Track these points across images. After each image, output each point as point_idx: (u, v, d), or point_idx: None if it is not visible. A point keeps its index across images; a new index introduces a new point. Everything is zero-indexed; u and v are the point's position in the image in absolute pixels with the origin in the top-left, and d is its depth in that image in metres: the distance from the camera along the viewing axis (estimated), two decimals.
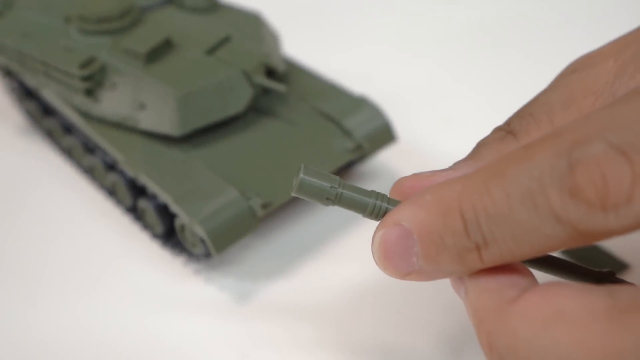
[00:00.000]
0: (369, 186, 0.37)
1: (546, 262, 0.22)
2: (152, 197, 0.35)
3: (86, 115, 0.37)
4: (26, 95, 0.43)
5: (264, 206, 0.32)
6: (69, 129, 0.40)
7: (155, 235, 0.36)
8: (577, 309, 0.17)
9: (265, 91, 0.36)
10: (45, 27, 0.38)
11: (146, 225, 0.37)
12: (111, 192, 0.39)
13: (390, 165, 0.40)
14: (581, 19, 0.53)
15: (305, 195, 0.21)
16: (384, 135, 0.37)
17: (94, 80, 0.36)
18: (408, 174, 0.23)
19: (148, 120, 0.35)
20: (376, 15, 0.55)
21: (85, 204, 0.39)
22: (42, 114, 0.42)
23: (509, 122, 0.23)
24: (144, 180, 0.34)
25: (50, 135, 0.43)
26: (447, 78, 0.48)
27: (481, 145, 0.23)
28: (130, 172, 0.34)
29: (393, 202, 0.22)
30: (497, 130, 0.23)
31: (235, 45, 0.37)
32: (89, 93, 0.36)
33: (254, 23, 0.39)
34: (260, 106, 0.37)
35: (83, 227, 0.38)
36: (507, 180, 0.18)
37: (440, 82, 0.48)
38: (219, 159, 0.35)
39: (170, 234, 0.36)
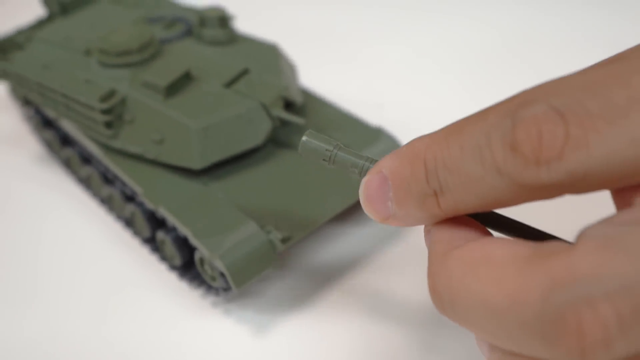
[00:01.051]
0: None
1: (498, 221, 0.23)
2: (171, 229, 0.35)
3: (105, 147, 0.37)
4: (44, 124, 0.44)
5: (284, 240, 0.32)
6: (87, 159, 0.41)
7: (173, 267, 0.37)
8: (503, 254, 0.19)
9: (284, 123, 0.37)
10: (66, 59, 0.39)
11: (164, 257, 0.37)
12: (129, 222, 0.39)
13: None
14: (598, 38, 0.53)
15: (307, 155, 0.25)
16: None
17: (114, 113, 0.36)
18: None
19: (168, 154, 0.35)
20: (385, 41, 0.56)
21: (103, 233, 0.40)
22: (60, 144, 0.43)
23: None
24: (163, 213, 0.34)
25: (68, 165, 0.43)
26: (460, 103, 0.48)
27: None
28: (150, 205, 0.35)
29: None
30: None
31: (254, 77, 0.37)
32: (109, 126, 0.36)
33: (271, 54, 0.40)
34: (278, 138, 0.37)
35: (100, 257, 0.38)
36: (463, 136, 0.20)
37: (453, 107, 0.48)
38: (238, 191, 0.35)
39: (188, 266, 0.36)
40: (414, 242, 0.37)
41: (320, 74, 0.47)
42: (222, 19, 0.39)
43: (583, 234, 0.18)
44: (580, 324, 0.17)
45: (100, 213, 0.41)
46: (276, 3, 0.61)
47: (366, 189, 0.23)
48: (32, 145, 0.46)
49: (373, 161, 0.24)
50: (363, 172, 0.24)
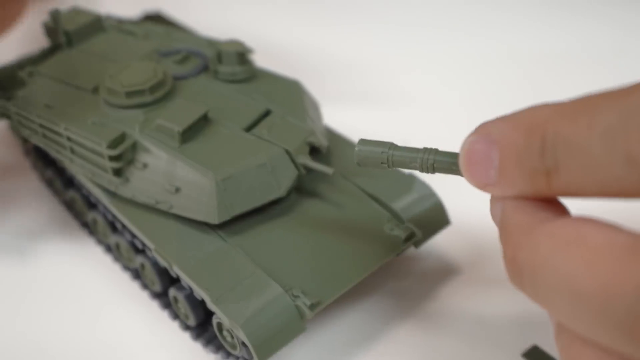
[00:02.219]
0: (417, 268, 0.34)
1: None
2: (184, 287, 0.32)
3: (114, 196, 0.34)
4: (45, 162, 0.41)
5: (313, 306, 0.29)
6: (93, 203, 0.38)
7: (187, 327, 0.33)
8: (600, 238, 0.18)
9: (308, 170, 0.33)
10: (71, 98, 0.36)
11: (177, 315, 0.34)
12: (138, 274, 0.36)
13: (440, 247, 0.37)
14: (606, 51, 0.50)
15: (364, 163, 0.26)
16: (437, 218, 0.34)
17: (124, 160, 0.33)
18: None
19: (183, 206, 0.32)
20: (407, 70, 0.52)
21: (109, 283, 0.37)
22: (62, 185, 0.40)
23: None
24: (177, 272, 0.31)
25: (71, 207, 0.40)
26: None
27: None
28: (163, 262, 0.31)
29: (441, 154, 0.24)
30: None
31: (276, 119, 0.34)
32: (118, 173, 0.33)
33: (294, 92, 0.36)
34: (303, 186, 0.34)
35: (105, 310, 0.35)
36: (595, 113, 0.18)
37: None
38: (259, 247, 0.32)
39: (204, 325, 0.33)
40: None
41: (338, 109, 0.43)
42: (241, 55, 0.36)
43: None
44: None
45: (106, 261, 0.38)
46: (283, 31, 0.58)
47: (468, 152, 0.21)
48: (32, 180, 0.43)
49: (432, 152, 0.24)
50: (424, 166, 0.24)
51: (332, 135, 0.38)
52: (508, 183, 0.20)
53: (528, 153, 0.19)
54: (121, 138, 0.33)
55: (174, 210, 0.32)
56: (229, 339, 0.31)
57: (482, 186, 0.21)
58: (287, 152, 0.32)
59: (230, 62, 0.36)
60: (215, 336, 0.32)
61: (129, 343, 0.34)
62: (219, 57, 0.36)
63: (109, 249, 0.38)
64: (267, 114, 0.34)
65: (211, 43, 0.40)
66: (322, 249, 0.32)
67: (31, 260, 0.38)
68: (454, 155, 0.24)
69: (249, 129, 0.33)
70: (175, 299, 0.33)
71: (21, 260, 0.38)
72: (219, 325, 0.31)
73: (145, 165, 0.33)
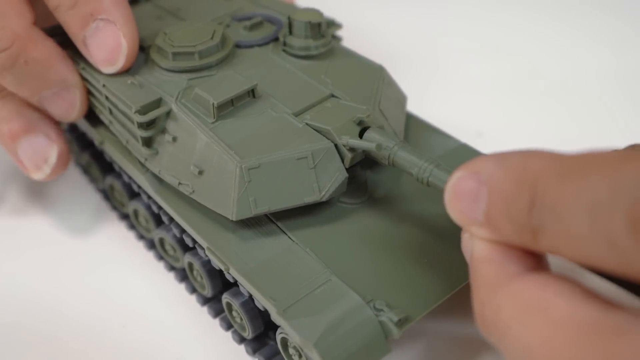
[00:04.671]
0: None
1: None
2: (242, 293, 0.27)
3: (161, 182, 0.29)
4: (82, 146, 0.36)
5: (401, 323, 0.24)
6: (135, 193, 0.33)
7: (242, 340, 0.29)
8: (563, 312, 0.17)
9: (353, 152, 0.27)
10: None
11: (231, 324, 0.29)
12: (185, 276, 0.31)
13: None
14: None
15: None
16: None
17: (155, 129, 0.28)
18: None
19: (203, 192, 0.27)
20: (486, 59, 0.47)
21: (156, 286, 0.32)
22: (100, 171, 0.35)
23: None
24: (235, 276, 0.26)
25: (108, 197, 0.36)
26: (572, 138, 0.39)
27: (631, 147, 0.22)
28: (219, 264, 0.26)
29: (441, 170, 0.24)
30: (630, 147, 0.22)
31: (330, 104, 0.28)
32: (147, 143, 0.29)
33: (372, 78, 0.31)
34: (382, 182, 0.29)
35: (150, 315, 0.31)
36: (584, 182, 0.17)
37: (563, 140, 0.39)
38: (333, 252, 0.26)
39: (263, 337, 0.28)
40: None
41: (416, 95, 0.37)
42: (314, 26, 0.31)
43: None
44: None
45: (149, 258, 0.33)
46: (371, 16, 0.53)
47: (455, 187, 0.20)
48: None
49: (433, 163, 0.24)
50: (420, 176, 0.24)
51: (422, 128, 0.33)
52: (494, 229, 0.20)
53: (517, 207, 0.18)
54: (155, 104, 0.28)
55: (194, 196, 0.27)
56: (296, 358, 0.26)
57: (465, 224, 0.21)
58: (336, 146, 0.27)
59: (302, 33, 0.31)
60: (278, 352, 0.27)
61: (178, 354, 0.29)
62: (290, 27, 0.31)
63: (152, 245, 0.34)
64: (328, 99, 0.29)
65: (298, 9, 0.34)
66: (405, 254, 0.26)
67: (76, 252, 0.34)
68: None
69: (299, 113, 0.28)
70: (230, 307, 0.28)
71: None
72: (284, 340, 0.26)
73: (174, 139, 0.28)
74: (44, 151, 0.31)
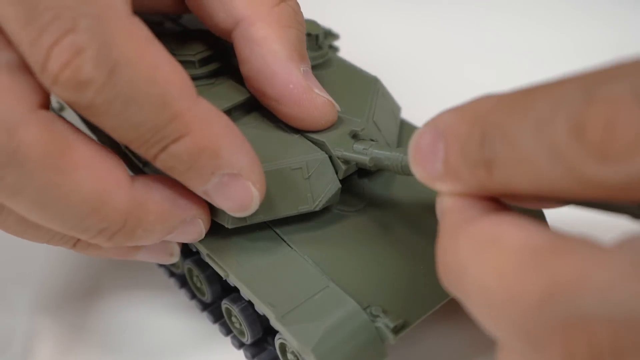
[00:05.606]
0: None
1: None
2: (241, 298, 0.27)
3: None
4: None
5: (396, 329, 0.24)
6: None
7: (242, 345, 0.29)
8: (514, 239, 0.17)
9: (346, 162, 0.28)
10: None
11: (230, 330, 0.29)
12: (185, 282, 0.32)
13: None
14: None
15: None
16: None
17: None
18: None
19: None
20: (480, 64, 0.48)
21: (150, 291, 0.32)
22: None
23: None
24: (235, 282, 0.26)
25: None
26: None
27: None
28: (219, 271, 0.27)
29: None
30: None
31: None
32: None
33: (367, 89, 0.31)
34: (375, 191, 0.29)
35: (153, 321, 0.31)
36: (530, 103, 0.17)
37: None
38: (329, 259, 0.27)
39: (261, 343, 0.29)
40: None
41: (411, 103, 0.38)
42: (312, 38, 0.31)
43: (625, 242, 0.15)
44: (569, 345, 0.15)
45: (148, 264, 0.34)
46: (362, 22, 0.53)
47: (416, 145, 0.21)
48: None
49: (404, 151, 0.24)
50: (397, 166, 0.25)
51: (405, 124, 0.33)
52: (453, 176, 0.20)
53: (470, 142, 0.19)
54: None
55: None
56: None
57: (429, 180, 0.21)
58: (330, 158, 0.27)
59: None
60: (276, 357, 0.28)
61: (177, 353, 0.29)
62: None
63: None
64: None
65: None
66: (403, 262, 0.27)
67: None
68: None
69: None
70: (229, 312, 0.29)
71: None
72: (283, 346, 0.26)
73: None
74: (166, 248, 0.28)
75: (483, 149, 0.18)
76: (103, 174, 0.23)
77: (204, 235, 0.26)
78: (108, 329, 0.31)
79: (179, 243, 0.28)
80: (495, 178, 0.18)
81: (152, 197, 0.24)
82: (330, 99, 0.28)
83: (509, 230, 0.18)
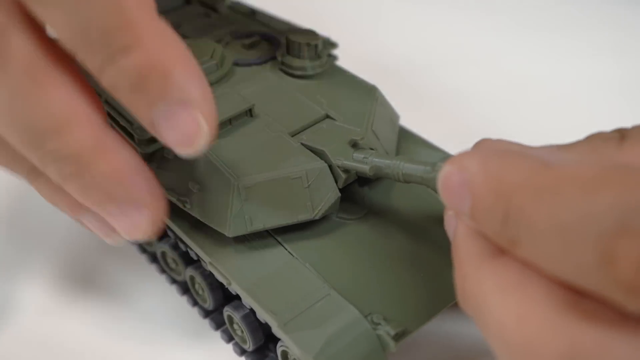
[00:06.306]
0: None
1: None
2: (242, 306, 0.28)
3: None
4: None
5: (397, 336, 0.24)
6: None
7: (243, 352, 0.29)
8: (539, 289, 0.18)
9: (347, 171, 0.28)
10: None
11: (232, 337, 0.30)
12: (187, 288, 0.32)
13: None
14: None
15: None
16: None
17: (155, 145, 0.29)
18: None
19: (200, 208, 0.28)
20: (481, 72, 0.48)
21: (155, 298, 0.33)
22: None
23: (632, 127, 0.21)
24: (237, 290, 0.27)
25: None
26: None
27: (589, 138, 0.22)
28: (220, 278, 0.27)
29: (411, 164, 0.25)
30: (615, 130, 0.21)
31: (326, 125, 0.29)
32: (148, 158, 0.30)
33: (366, 99, 0.31)
34: (375, 199, 0.30)
35: (155, 328, 0.31)
36: (558, 202, 0.17)
37: None
38: (330, 267, 0.27)
39: (263, 349, 0.29)
40: None
41: (410, 109, 0.38)
42: (312, 48, 0.32)
43: None
44: None
45: (151, 271, 0.34)
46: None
47: (445, 179, 0.21)
48: None
49: (404, 159, 0.25)
50: (396, 174, 0.25)
51: (412, 141, 0.34)
52: (479, 225, 0.20)
53: (493, 217, 0.19)
54: None
55: (192, 211, 0.28)
56: None
57: (456, 212, 0.21)
58: (330, 167, 0.27)
59: (300, 54, 0.32)
60: None
61: None
62: (288, 47, 0.32)
63: (154, 259, 0.34)
64: (324, 119, 0.30)
65: (296, 29, 0.35)
66: (403, 269, 0.27)
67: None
68: (423, 170, 0.24)
69: (295, 133, 0.29)
70: (231, 319, 0.29)
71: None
72: (285, 353, 0.26)
73: (174, 156, 0.29)
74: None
75: (506, 228, 0.18)
76: (78, 106, 0.22)
77: (142, 234, 0.25)
78: (109, 336, 0.31)
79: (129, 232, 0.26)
80: (517, 253, 0.19)
81: (116, 153, 0.23)
82: None
83: (536, 279, 0.18)
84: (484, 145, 0.23)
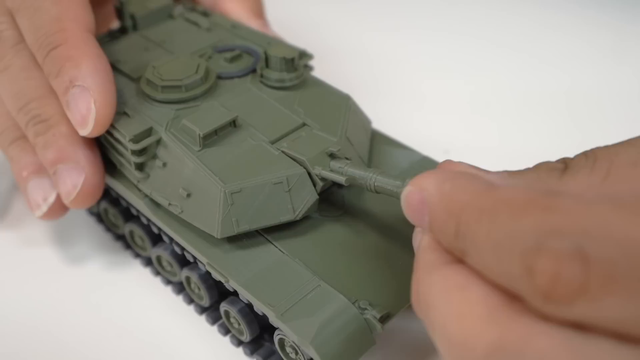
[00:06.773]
0: None
1: None
2: (238, 301, 0.30)
3: (155, 204, 0.33)
4: None
5: (383, 319, 0.28)
6: (130, 214, 0.36)
7: (240, 343, 0.32)
8: (479, 292, 0.20)
9: (324, 180, 0.31)
10: (117, 83, 0.34)
11: (229, 330, 0.32)
12: (182, 288, 0.35)
13: None
14: None
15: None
16: None
17: (147, 155, 0.32)
18: None
19: (191, 212, 0.30)
20: (451, 76, 0.51)
21: (155, 298, 0.35)
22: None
23: (575, 156, 0.24)
24: (235, 286, 0.29)
25: (102, 220, 0.38)
26: (537, 153, 0.44)
27: (536, 167, 0.24)
28: (218, 277, 0.30)
29: (383, 177, 0.28)
30: (560, 160, 0.24)
31: (304, 133, 0.32)
32: (140, 167, 0.32)
33: (339, 107, 0.34)
34: (353, 198, 0.33)
35: (152, 325, 0.34)
36: (495, 223, 0.20)
37: (528, 156, 0.43)
38: (318, 260, 0.30)
39: (258, 340, 0.32)
40: None
41: (385, 115, 0.41)
42: (289, 61, 0.34)
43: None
44: None
45: (145, 274, 0.36)
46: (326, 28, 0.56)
47: (407, 198, 0.24)
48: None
49: (377, 172, 0.28)
50: (369, 185, 0.28)
51: (387, 143, 0.36)
52: (436, 237, 0.23)
53: (446, 232, 0.22)
54: (146, 133, 0.32)
55: (183, 216, 0.31)
56: (292, 355, 0.29)
57: (418, 227, 0.25)
58: (308, 172, 0.30)
59: (278, 67, 0.34)
60: (273, 352, 0.31)
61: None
62: (267, 61, 0.35)
63: (149, 262, 0.37)
64: (301, 127, 0.32)
65: (273, 43, 0.38)
66: (380, 261, 0.30)
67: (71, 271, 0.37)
68: (393, 184, 0.27)
69: (275, 141, 0.32)
70: (227, 314, 0.31)
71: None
72: (281, 341, 0.29)
73: (165, 164, 0.31)
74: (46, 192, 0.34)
75: (457, 241, 0.21)
76: (74, 13, 0.33)
77: (79, 201, 0.33)
78: (104, 335, 0.33)
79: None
80: (468, 262, 0.21)
81: (94, 81, 0.31)
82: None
83: (476, 283, 0.20)
84: (444, 167, 0.26)
